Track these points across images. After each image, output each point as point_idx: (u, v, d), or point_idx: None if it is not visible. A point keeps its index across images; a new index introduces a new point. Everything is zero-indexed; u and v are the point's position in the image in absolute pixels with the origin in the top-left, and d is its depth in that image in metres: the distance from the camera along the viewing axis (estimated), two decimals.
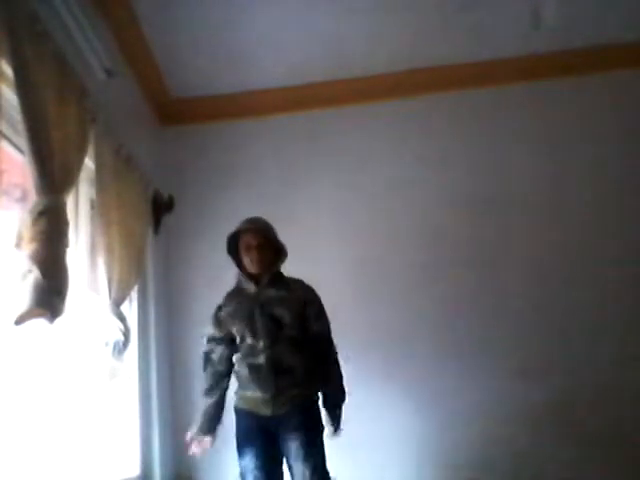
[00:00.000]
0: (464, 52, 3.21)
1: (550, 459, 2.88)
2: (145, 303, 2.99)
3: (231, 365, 2.24)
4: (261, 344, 2.11)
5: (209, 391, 2.25)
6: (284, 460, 2.13)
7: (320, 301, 2.24)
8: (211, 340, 2.26)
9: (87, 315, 2.25)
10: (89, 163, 2.24)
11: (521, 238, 3.17)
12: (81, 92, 2.07)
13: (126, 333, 2.30)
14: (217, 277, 3.27)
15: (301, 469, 2.04)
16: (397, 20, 2.95)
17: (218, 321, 2.24)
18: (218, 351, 2.24)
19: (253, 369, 2.12)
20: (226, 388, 2.27)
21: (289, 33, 3.01)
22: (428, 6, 2.87)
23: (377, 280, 3.18)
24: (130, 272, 2.46)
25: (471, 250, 3.17)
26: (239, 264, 2.22)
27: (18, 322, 1.57)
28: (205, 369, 2.27)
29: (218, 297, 3.23)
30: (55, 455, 2.03)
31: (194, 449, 2.24)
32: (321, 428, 2.14)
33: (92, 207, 2.43)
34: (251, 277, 2.19)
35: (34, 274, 1.58)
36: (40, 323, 1.63)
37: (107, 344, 2.22)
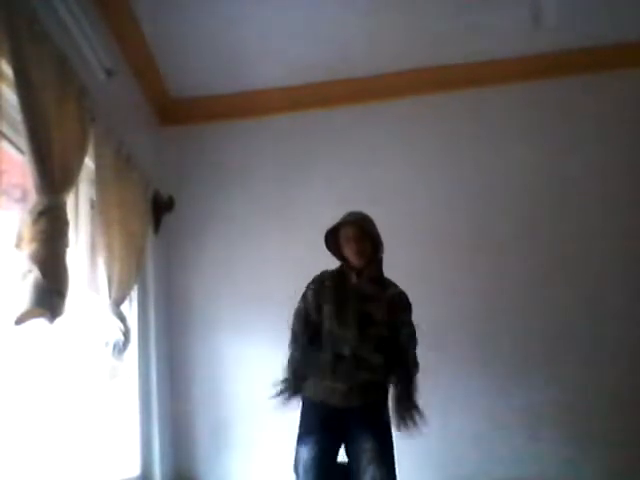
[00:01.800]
0: (464, 52, 3.21)
1: (549, 459, 2.89)
2: (145, 303, 2.99)
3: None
4: (349, 335, 2.11)
5: (304, 346, 2.18)
6: (347, 453, 2.12)
7: (411, 308, 2.27)
8: (309, 302, 2.20)
9: (87, 315, 2.25)
10: (89, 163, 2.24)
11: (522, 237, 3.17)
12: (81, 92, 2.07)
13: (126, 333, 2.31)
14: (217, 276, 3.30)
15: (372, 471, 2.02)
16: (397, 20, 2.94)
17: (315, 292, 2.21)
18: (315, 315, 2.19)
19: (335, 357, 2.10)
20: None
21: (289, 33, 3.00)
22: (428, 6, 2.86)
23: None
24: (130, 272, 2.46)
25: (472, 250, 3.16)
26: (340, 257, 2.25)
27: (18, 322, 1.57)
28: (300, 323, 2.20)
29: (218, 296, 3.26)
30: (55, 455, 2.03)
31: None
32: (392, 432, 2.13)
33: (92, 207, 2.43)
34: (352, 269, 2.21)
35: (34, 274, 1.58)
36: (40, 323, 1.63)
37: (107, 344, 2.23)
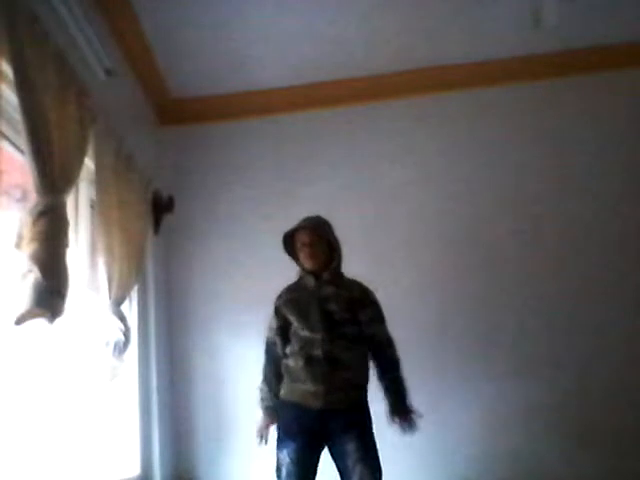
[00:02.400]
0: (464, 52, 3.21)
1: (549, 459, 2.89)
2: (145, 303, 2.99)
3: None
4: (318, 337, 2.14)
5: (271, 380, 2.29)
6: (331, 455, 2.13)
7: (377, 303, 2.31)
8: (272, 329, 2.31)
9: (87, 315, 2.25)
10: (89, 163, 2.24)
11: (522, 237, 3.17)
12: (81, 92, 2.07)
13: (126, 333, 2.30)
14: (217, 276, 3.30)
15: (359, 470, 2.03)
16: (397, 20, 2.95)
17: (277, 310, 2.30)
18: (279, 341, 2.28)
19: (309, 360, 2.12)
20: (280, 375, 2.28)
21: (289, 33, 3.00)
22: (428, 6, 2.86)
23: (377, 281, 3.17)
24: (130, 272, 2.46)
25: (473, 250, 3.17)
26: (297, 260, 2.30)
27: (18, 322, 1.57)
28: (267, 358, 2.32)
29: (218, 296, 3.26)
30: (55, 455, 2.03)
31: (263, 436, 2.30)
32: (373, 430, 2.15)
33: (92, 207, 2.43)
34: (311, 273, 2.26)
35: (34, 274, 1.58)
36: (40, 323, 1.63)
37: (107, 344, 2.22)
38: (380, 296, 3.13)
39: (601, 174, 3.20)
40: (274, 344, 2.29)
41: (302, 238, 2.25)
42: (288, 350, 2.23)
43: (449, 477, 2.91)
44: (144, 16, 2.78)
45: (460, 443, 2.95)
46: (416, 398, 3.00)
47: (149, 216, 2.97)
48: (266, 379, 2.29)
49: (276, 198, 3.31)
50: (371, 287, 3.12)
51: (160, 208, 3.10)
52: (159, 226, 3.12)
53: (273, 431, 2.25)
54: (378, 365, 2.26)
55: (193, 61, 3.16)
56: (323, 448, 2.14)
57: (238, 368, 3.14)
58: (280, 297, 2.32)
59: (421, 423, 2.94)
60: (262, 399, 2.29)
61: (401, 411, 2.18)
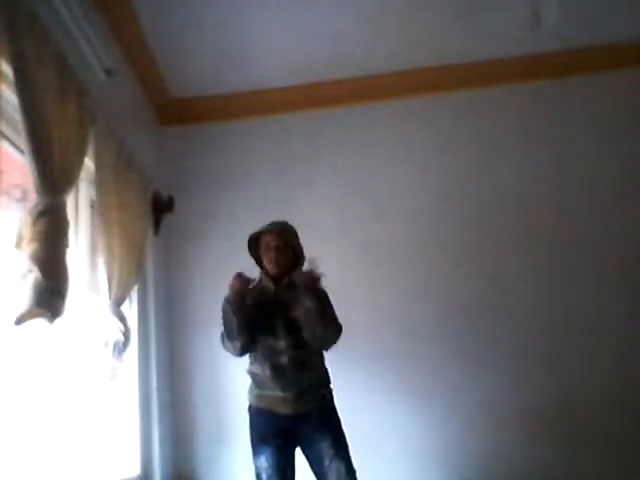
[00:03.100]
0: (464, 52, 3.21)
1: (549, 459, 2.89)
2: (145, 303, 2.99)
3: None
4: (282, 344, 2.13)
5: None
6: (305, 456, 2.14)
7: (326, 294, 2.19)
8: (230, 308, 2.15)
9: (87, 315, 2.25)
10: (89, 163, 2.24)
11: (522, 238, 3.17)
12: (81, 92, 2.07)
13: (126, 333, 2.30)
14: (217, 277, 3.27)
15: (336, 466, 2.05)
16: (397, 20, 2.95)
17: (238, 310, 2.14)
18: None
19: (276, 369, 2.12)
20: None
21: (289, 33, 3.00)
22: (428, 6, 2.86)
23: (377, 281, 3.18)
24: (130, 272, 2.46)
25: (472, 250, 3.17)
26: (259, 263, 2.26)
27: (18, 322, 1.57)
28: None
29: (218, 297, 3.25)
30: (55, 455, 2.03)
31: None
32: (343, 428, 2.16)
33: (92, 207, 2.43)
34: (271, 277, 2.23)
35: (34, 274, 1.58)
36: (40, 323, 1.63)
37: (107, 344, 2.22)
38: (379, 296, 3.15)
39: (601, 174, 3.20)
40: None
41: (268, 241, 2.22)
42: (252, 357, 2.21)
43: (449, 477, 2.91)
44: (144, 16, 2.78)
45: (460, 443, 2.94)
46: (416, 398, 3.03)
47: (149, 216, 2.97)
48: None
49: (276, 198, 3.31)
50: (371, 286, 3.13)
51: (160, 208, 3.10)
52: (159, 226, 3.12)
53: None
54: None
55: (193, 61, 3.16)
56: (295, 450, 2.16)
57: (238, 368, 3.13)
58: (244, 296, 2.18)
59: (422, 422, 2.98)
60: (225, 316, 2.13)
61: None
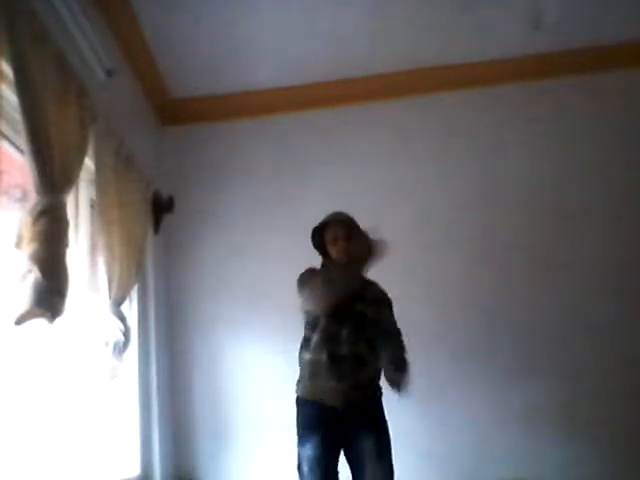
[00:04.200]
0: (464, 52, 3.21)
1: (549, 459, 2.89)
2: (145, 303, 2.99)
3: None
4: (345, 334, 2.11)
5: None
6: (345, 452, 2.12)
7: (392, 306, 2.30)
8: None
9: (87, 315, 2.25)
10: (89, 163, 2.24)
11: (522, 238, 3.17)
12: (81, 92, 2.07)
13: (126, 333, 2.30)
14: (217, 276, 3.29)
15: (373, 468, 2.03)
16: (398, 20, 2.95)
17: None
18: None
19: (334, 358, 2.08)
20: None
21: (289, 33, 3.00)
22: (428, 6, 2.87)
23: (377, 280, 3.18)
24: (130, 272, 2.46)
25: (472, 250, 3.17)
26: (325, 255, 2.25)
27: (18, 322, 1.57)
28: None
29: (218, 297, 3.26)
30: (55, 455, 2.03)
31: None
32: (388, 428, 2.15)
33: (92, 207, 2.43)
34: (341, 268, 2.19)
35: (34, 274, 1.58)
36: (40, 323, 1.63)
37: (107, 344, 2.22)
38: None
39: (602, 174, 3.20)
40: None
41: (336, 231, 2.21)
42: (307, 342, 2.16)
43: (449, 477, 2.91)
44: (144, 16, 2.78)
45: (460, 443, 2.94)
46: (418, 398, 3.02)
47: (149, 216, 2.97)
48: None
49: (276, 198, 3.31)
50: None
51: (160, 208, 3.10)
52: (159, 226, 3.12)
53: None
54: (383, 345, 2.19)
55: (193, 61, 3.16)
56: (341, 445, 2.13)
57: (238, 368, 3.15)
58: (309, 276, 2.20)
59: (423, 423, 2.98)
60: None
61: (397, 378, 2.13)
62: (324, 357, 2.09)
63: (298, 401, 2.19)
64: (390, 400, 2.99)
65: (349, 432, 2.10)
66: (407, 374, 2.15)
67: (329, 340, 2.11)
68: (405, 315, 3.09)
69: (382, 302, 2.27)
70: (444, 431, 2.97)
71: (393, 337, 2.24)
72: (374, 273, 3.22)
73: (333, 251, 2.22)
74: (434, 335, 3.08)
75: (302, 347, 2.20)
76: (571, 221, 3.17)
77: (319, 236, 2.26)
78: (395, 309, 3.08)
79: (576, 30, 3.07)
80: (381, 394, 2.21)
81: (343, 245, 2.19)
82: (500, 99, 3.33)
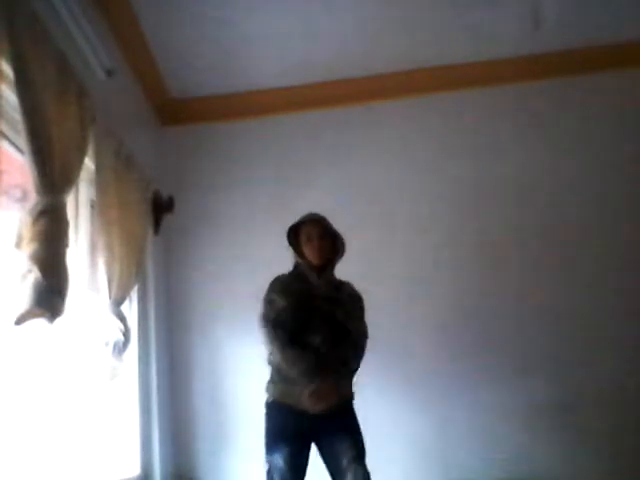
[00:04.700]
0: (464, 52, 3.21)
1: (550, 459, 2.89)
2: (145, 303, 2.99)
3: None
4: (318, 339, 2.12)
5: (289, 342, 2.11)
6: (322, 455, 2.13)
7: (364, 309, 2.32)
8: (279, 310, 2.16)
9: (87, 315, 2.25)
10: (89, 163, 2.24)
11: (522, 238, 3.17)
12: (81, 92, 2.07)
13: (126, 333, 2.30)
14: (217, 276, 3.29)
15: (354, 468, 2.02)
16: (397, 20, 2.94)
17: (284, 290, 2.19)
18: (284, 316, 2.15)
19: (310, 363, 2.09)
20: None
21: (289, 33, 3.00)
22: (428, 6, 2.86)
23: (376, 280, 3.18)
24: (130, 272, 2.46)
25: (472, 249, 3.17)
26: (300, 255, 2.26)
27: (18, 322, 1.57)
28: (279, 334, 2.12)
29: (218, 297, 3.26)
30: (55, 455, 2.03)
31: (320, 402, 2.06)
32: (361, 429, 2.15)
33: (92, 207, 2.43)
34: (314, 268, 2.23)
35: (34, 274, 1.58)
36: (40, 323, 1.63)
37: (107, 344, 2.22)
38: (378, 296, 3.14)
39: (602, 174, 3.20)
40: (280, 316, 2.14)
41: (310, 231, 2.23)
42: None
43: (449, 477, 2.91)
44: (144, 16, 2.78)
45: (460, 443, 2.94)
46: (418, 397, 3.02)
47: (149, 216, 2.97)
48: (287, 349, 2.10)
49: (276, 198, 3.31)
50: (370, 287, 3.12)
51: (160, 208, 3.10)
52: (159, 226, 3.12)
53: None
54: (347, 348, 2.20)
55: (193, 61, 3.16)
56: (310, 449, 2.13)
57: (238, 368, 3.14)
58: (280, 286, 2.22)
59: (423, 422, 2.98)
60: (294, 366, 2.09)
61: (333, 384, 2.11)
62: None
63: (270, 405, 2.18)
64: (390, 400, 3.01)
65: (324, 435, 2.10)
66: (344, 379, 2.16)
67: (302, 346, 2.11)
68: (404, 314, 3.11)
69: (354, 303, 2.28)
70: (444, 431, 2.97)
71: (358, 337, 2.24)
72: (375, 272, 3.23)
73: (306, 250, 2.24)
74: (434, 336, 3.08)
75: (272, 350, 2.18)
76: (571, 221, 3.17)
77: (294, 235, 2.28)
78: (398, 308, 3.11)
79: (576, 30, 3.07)
80: (353, 398, 2.22)
81: (316, 245, 2.21)
82: (500, 99, 3.33)
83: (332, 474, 2.09)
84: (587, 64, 3.26)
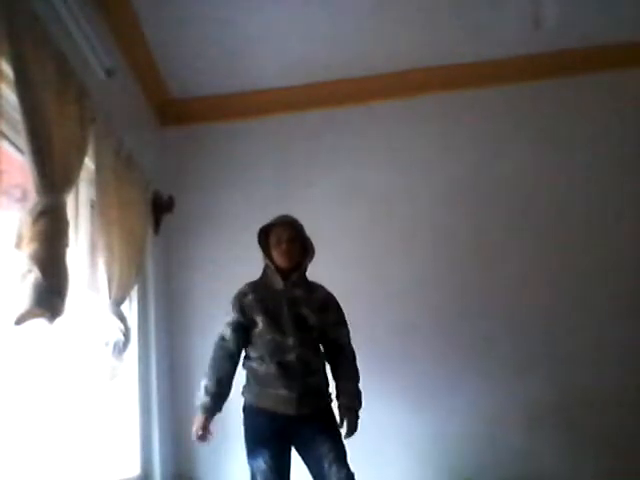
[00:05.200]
0: (464, 52, 3.21)
1: (549, 459, 2.89)
2: (145, 303, 2.99)
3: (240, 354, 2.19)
4: (290, 342, 2.10)
5: (218, 373, 2.14)
6: (303, 459, 2.12)
7: (341, 309, 2.28)
8: (233, 325, 2.17)
9: (87, 315, 2.25)
10: (89, 163, 2.24)
11: (521, 237, 3.17)
12: (81, 92, 2.07)
13: (126, 333, 2.30)
14: (217, 276, 3.29)
15: (336, 469, 2.01)
16: (397, 20, 2.95)
17: (242, 307, 2.19)
18: (236, 337, 2.16)
19: (282, 367, 2.09)
20: (234, 374, 2.19)
21: (289, 33, 3.00)
22: (428, 6, 2.86)
23: (376, 281, 3.18)
24: (130, 272, 2.46)
25: (471, 249, 3.17)
26: (269, 257, 2.23)
27: (18, 322, 1.57)
28: (220, 354, 2.16)
29: (218, 297, 3.24)
30: (55, 455, 2.03)
31: (201, 436, 2.11)
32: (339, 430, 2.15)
33: (92, 207, 2.43)
34: (280, 272, 2.20)
35: (34, 274, 1.58)
36: (40, 323, 1.63)
37: (107, 344, 2.22)
38: (377, 296, 3.15)
39: (601, 174, 3.20)
40: (227, 340, 2.15)
41: (280, 234, 2.19)
42: (252, 353, 2.17)
43: (449, 477, 2.91)
44: (144, 16, 2.78)
45: (460, 443, 2.94)
46: (416, 398, 3.02)
47: (149, 216, 2.97)
48: (216, 375, 2.13)
49: (276, 198, 3.31)
50: (369, 285, 3.13)
51: (160, 208, 3.10)
52: (159, 226, 3.12)
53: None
54: (337, 368, 2.22)
55: (193, 61, 3.16)
56: (291, 450, 2.13)
57: (238, 368, 3.13)
58: (245, 294, 2.21)
59: (421, 423, 2.98)
60: (202, 396, 2.14)
61: (352, 416, 2.14)
62: (272, 367, 2.10)
63: (247, 410, 2.18)
64: (389, 401, 3.01)
65: (302, 438, 2.09)
66: (356, 417, 2.15)
67: (275, 350, 2.11)
68: (404, 315, 3.11)
69: (329, 306, 2.25)
70: (444, 431, 2.97)
71: (346, 355, 2.24)
72: (375, 272, 3.23)
73: (275, 253, 2.20)
74: (432, 335, 3.08)
75: (249, 356, 2.19)
76: (571, 220, 3.17)
77: (265, 238, 2.24)
78: (397, 309, 3.11)
79: (576, 30, 3.07)
80: (331, 400, 2.21)
81: (285, 248, 2.18)
82: (500, 99, 3.33)
83: (315, 477, 2.08)
84: (587, 64, 3.26)
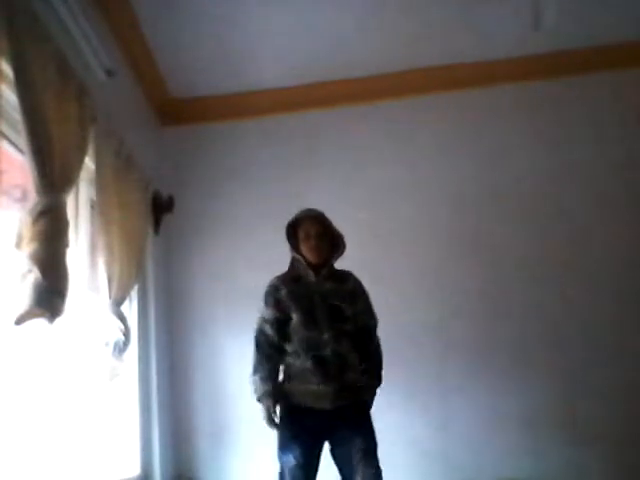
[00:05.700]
0: (464, 52, 3.21)
1: (549, 459, 2.89)
2: (145, 303, 2.99)
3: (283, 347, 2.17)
4: (325, 336, 2.08)
5: (269, 363, 2.12)
6: (333, 454, 2.12)
7: (368, 296, 2.29)
8: (271, 321, 2.15)
9: (87, 315, 2.25)
10: (89, 163, 2.24)
11: (522, 237, 3.17)
12: (81, 92, 2.07)
13: (126, 333, 2.30)
14: (217, 276, 3.30)
15: (364, 466, 2.00)
16: (397, 20, 2.95)
17: (277, 302, 2.16)
18: (276, 333, 2.14)
19: (318, 361, 2.07)
20: (280, 366, 2.18)
21: (289, 33, 3.00)
22: (428, 6, 2.86)
23: (378, 281, 3.16)
24: (130, 272, 2.46)
25: (473, 249, 3.17)
26: (297, 251, 2.22)
27: (18, 322, 1.57)
28: (263, 352, 2.14)
29: (218, 297, 3.26)
30: (55, 455, 2.03)
31: (273, 422, 2.09)
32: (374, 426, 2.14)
33: (92, 207, 2.43)
34: (311, 266, 2.19)
35: (34, 274, 1.58)
36: (40, 323, 1.63)
37: (107, 344, 2.22)
38: (379, 296, 3.14)
39: (601, 174, 3.20)
40: (269, 335, 2.14)
41: (308, 229, 2.18)
42: (289, 348, 2.14)
43: (449, 477, 2.91)
44: (144, 16, 2.78)
45: (460, 443, 2.94)
46: (416, 398, 3.02)
47: (149, 216, 2.97)
48: (267, 366, 2.11)
49: (276, 198, 3.31)
50: (372, 286, 3.11)
51: (160, 208, 3.10)
52: (159, 226, 3.12)
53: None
54: (363, 353, 2.20)
55: (193, 61, 3.16)
56: (322, 449, 2.12)
57: (238, 368, 3.13)
58: (277, 289, 2.19)
59: (421, 423, 2.98)
60: (257, 389, 2.10)
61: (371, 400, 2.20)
62: (308, 362, 2.08)
63: (282, 405, 2.15)
64: (390, 401, 3.01)
65: (336, 433, 2.08)
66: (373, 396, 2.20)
67: (310, 345, 2.10)
68: (405, 316, 3.11)
69: (358, 295, 2.25)
70: (444, 431, 2.97)
71: (372, 339, 2.25)
72: (375, 272, 3.22)
73: (304, 248, 2.19)
74: (434, 335, 3.08)
75: (283, 351, 2.17)
76: (571, 220, 3.16)
77: (293, 232, 2.23)
78: (398, 309, 3.10)
79: (576, 30, 3.07)
80: (367, 394, 2.20)
81: (314, 244, 2.17)
82: (500, 99, 3.33)
83: (341, 471, 2.08)
84: (587, 64, 3.26)
